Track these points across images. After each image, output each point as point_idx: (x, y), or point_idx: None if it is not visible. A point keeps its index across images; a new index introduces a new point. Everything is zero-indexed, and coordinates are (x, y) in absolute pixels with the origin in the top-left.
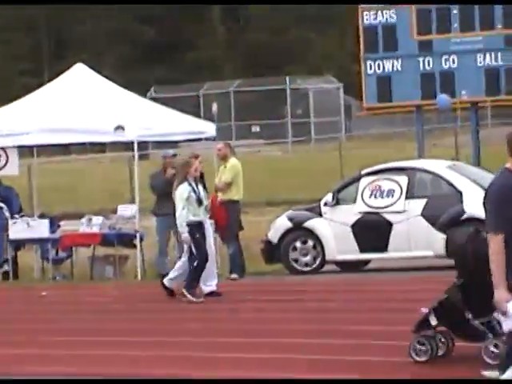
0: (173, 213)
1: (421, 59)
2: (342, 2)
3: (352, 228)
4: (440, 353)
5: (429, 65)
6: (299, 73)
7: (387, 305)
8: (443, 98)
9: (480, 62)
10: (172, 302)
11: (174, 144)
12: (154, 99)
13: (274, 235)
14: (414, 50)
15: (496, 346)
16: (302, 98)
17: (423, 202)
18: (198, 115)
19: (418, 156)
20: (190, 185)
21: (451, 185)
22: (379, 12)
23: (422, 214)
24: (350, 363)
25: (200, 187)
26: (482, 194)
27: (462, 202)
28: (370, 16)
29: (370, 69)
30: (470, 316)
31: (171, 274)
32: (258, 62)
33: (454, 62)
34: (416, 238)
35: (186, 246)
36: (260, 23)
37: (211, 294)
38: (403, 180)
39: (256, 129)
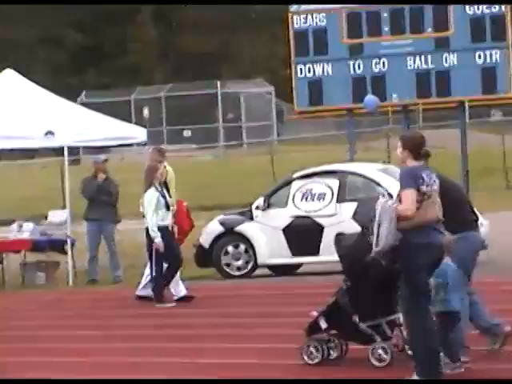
0: (103, 218)
1: (351, 63)
2: (276, 2)
3: (284, 232)
4: (334, 355)
5: (359, 68)
6: (230, 77)
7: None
8: (370, 98)
9: (410, 65)
10: (98, 309)
11: (105, 149)
12: (85, 104)
13: (205, 240)
14: (344, 54)
15: (384, 349)
16: (233, 102)
17: (354, 205)
18: (129, 120)
19: (350, 159)
20: (157, 190)
21: (382, 188)
22: (309, 16)
23: (354, 218)
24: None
25: (165, 192)
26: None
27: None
28: (299, 20)
29: (301, 73)
30: (357, 319)
31: (142, 282)
32: (189, 66)
33: (384, 65)
34: None
35: (147, 253)
36: (191, 27)
37: (183, 298)
38: (334, 183)
39: (188, 133)
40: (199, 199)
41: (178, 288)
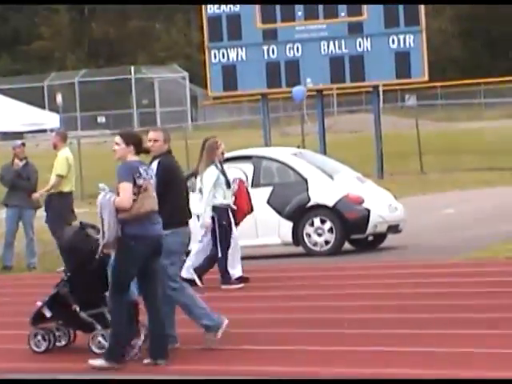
0: (23, 204)
1: (265, 48)
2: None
3: (198, 217)
4: (62, 343)
5: (273, 53)
6: (144, 63)
7: (230, 293)
8: (298, 90)
9: (324, 50)
10: (19, 296)
11: (18, 135)
12: None
13: None
14: (258, 39)
15: (103, 336)
16: (147, 88)
17: (269, 189)
18: (42, 106)
19: (265, 144)
20: (217, 168)
21: (297, 172)
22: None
23: (268, 202)
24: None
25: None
26: (327, 181)
27: (307, 189)
28: (213, 5)
29: (215, 58)
30: (77, 308)
31: (187, 262)
32: (103, 52)
33: (298, 50)
34: (263, 225)
35: (204, 232)
36: (104, 13)
37: (239, 279)
38: (249, 168)
39: (102, 119)
40: (113, 185)
41: (235, 269)
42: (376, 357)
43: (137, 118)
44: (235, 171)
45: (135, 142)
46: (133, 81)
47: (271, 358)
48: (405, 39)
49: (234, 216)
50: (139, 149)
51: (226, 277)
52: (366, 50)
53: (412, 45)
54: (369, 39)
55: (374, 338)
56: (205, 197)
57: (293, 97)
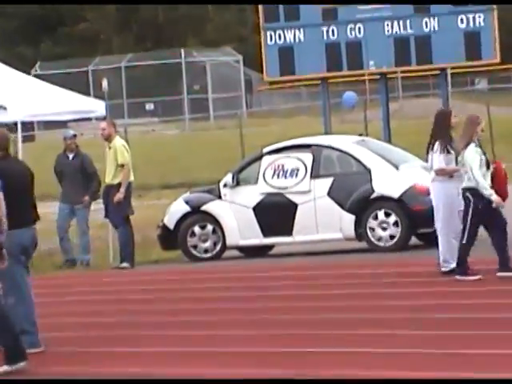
0: (77, 199)
1: (325, 29)
2: None
3: (254, 210)
4: None
5: (333, 34)
6: (195, 46)
7: (291, 292)
8: (349, 95)
9: (388, 31)
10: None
11: (61, 124)
12: (39, 76)
13: (170, 220)
14: (317, 19)
15: None
16: (198, 73)
17: (330, 181)
18: (87, 93)
19: (325, 132)
20: (477, 145)
21: (359, 162)
22: None
23: (329, 194)
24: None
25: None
26: (392, 171)
27: (370, 180)
28: None
29: (271, 39)
30: None
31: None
32: (151, 35)
33: (360, 31)
34: (323, 219)
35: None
36: None
37: (452, 271)
38: (308, 158)
39: (150, 106)
40: (163, 176)
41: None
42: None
43: (187, 105)
44: (294, 161)
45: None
46: (183, 65)
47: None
48: (474, 18)
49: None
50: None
51: (462, 266)
52: (432, 30)
53: (482, 24)
54: (436, 19)
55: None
56: (477, 178)
57: (343, 103)
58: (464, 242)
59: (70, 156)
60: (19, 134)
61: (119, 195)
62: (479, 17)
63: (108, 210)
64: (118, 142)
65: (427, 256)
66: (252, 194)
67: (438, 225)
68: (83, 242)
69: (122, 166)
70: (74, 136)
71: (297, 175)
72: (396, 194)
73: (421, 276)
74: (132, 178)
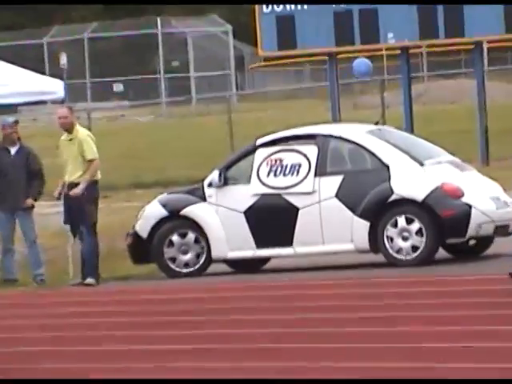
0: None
1: None
2: None
3: (246, 215)
4: None
5: (344, 1)
6: (175, 14)
7: (284, 316)
8: (362, 62)
9: None
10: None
11: (10, 109)
12: None
13: (143, 227)
14: None
15: None
16: (178, 46)
17: (339, 179)
18: (41, 70)
19: (333, 119)
20: None
21: (375, 156)
22: None
23: (338, 196)
24: None
25: None
26: (415, 167)
27: (389, 178)
28: None
29: (267, 6)
30: None
31: None
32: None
33: None
34: (330, 227)
35: None
36: None
37: None
38: (312, 151)
39: (119, 87)
40: (135, 173)
41: None
42: None
43: (164, 86)
44: (294, 155)
45: None
46: (159, 36)
47: None
48: None
49: None
50: None
51: None
52: None
53: None
54: None
55: None
56: None
57: (354, 71)
58: None
59: (12, 150)
60: None
61: (76, 191)
62: None
63: (70, 216)
64: (82, 132)
65: (461, 272)
66: (243, 196)
67: None
68: (33, 254)
69: (91, 161)
70: (15, 123)
71: (298, 172)
72: (420, 196)
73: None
74: (99, 176)
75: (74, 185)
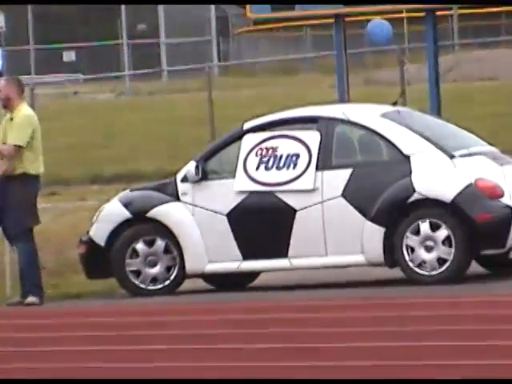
0: None
1: None
2: None
3: (229, 219)
4: None
5: None
6: None
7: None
8: (378, 24)
9: None
10: None
11: None
12: None
13: (100, 232)
14: None
15: None
16: (145, 6)
17: (346, 174)
18: None
19: (340, 99)
20: None
21: (392, 145)
22: None
23: (345, 195)
24: None
25: None
26: (442, 159)
27: (410, 173)
28: None
29: None
30: None
31: None
32: None
33: None
34: (335, 233)
35: None
36: None
37: None
38: (313, 139)
39: (70, 56)
40: (89, 164)
41: None
42: None
43: (128, 55)
44: (291, 143)
45: None
46: None
47: None
48: None
49: None
50: None
51: None
52: None
53: None
54: None
55: None
56: None
57: (368, 38)
58: None
59: None
60: None
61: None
62: None
63: (3, 217)
64: (23, 112)
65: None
66: (226, 194)
67: None
68: None
69: (19, 147)
70: None
71: (295, 165)
72: (449, 196)
73: None
74: (41, 169)
75: (6, 178)
